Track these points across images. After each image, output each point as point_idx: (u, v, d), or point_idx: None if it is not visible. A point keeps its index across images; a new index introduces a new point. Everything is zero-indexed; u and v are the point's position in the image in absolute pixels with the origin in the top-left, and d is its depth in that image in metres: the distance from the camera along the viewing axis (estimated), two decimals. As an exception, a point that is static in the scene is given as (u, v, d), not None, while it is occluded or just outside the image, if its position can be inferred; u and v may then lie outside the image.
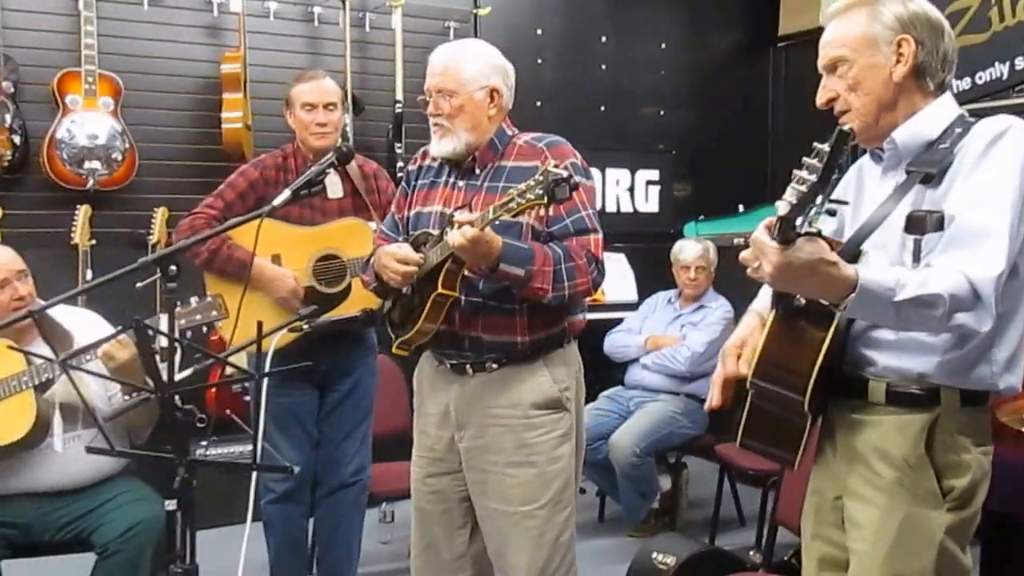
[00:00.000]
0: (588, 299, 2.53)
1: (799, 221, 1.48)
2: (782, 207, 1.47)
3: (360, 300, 3.06)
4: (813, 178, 1.43)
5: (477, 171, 2.46)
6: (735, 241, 5.02)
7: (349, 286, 3.16)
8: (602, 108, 5.70)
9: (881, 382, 1.78)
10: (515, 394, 2.41)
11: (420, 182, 2.57)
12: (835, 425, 1.88)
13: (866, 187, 1.91)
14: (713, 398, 1.94)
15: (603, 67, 5.69)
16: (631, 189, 5.76)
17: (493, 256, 2.20)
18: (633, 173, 5.77)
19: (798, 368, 1.74)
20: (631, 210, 5.77)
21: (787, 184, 1.48)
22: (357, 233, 3.16)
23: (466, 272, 2.33)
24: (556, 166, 2.07)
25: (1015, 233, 1.65)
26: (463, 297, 2.36)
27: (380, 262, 2.43)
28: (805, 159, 1.46)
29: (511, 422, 2.41)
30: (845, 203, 1.57)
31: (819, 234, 1.53)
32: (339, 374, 3.23)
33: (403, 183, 2.65)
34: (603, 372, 4.70)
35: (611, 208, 5.70)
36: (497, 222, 2.15)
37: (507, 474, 2.41)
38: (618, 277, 5.33)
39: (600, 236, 2.43)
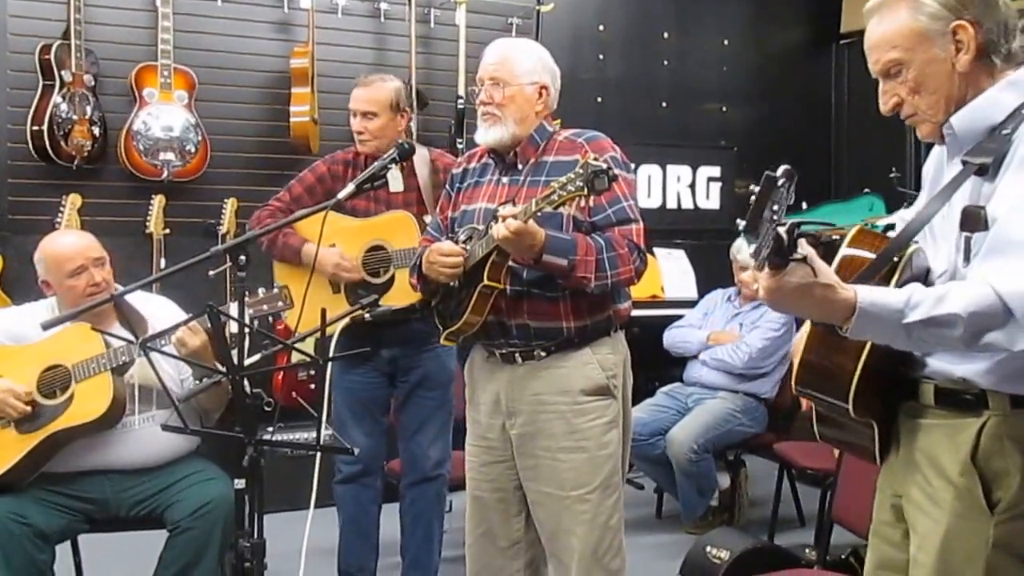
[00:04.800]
0: (636, 291, 2.55)
1: (786, 245, 1.44)
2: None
3: (402, 292, 3.09)
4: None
5: (519, 166, 2.53)
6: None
7: (393, 277, 3.21)
8: (664, 104, 5.69)
9: (930, 383, 1.69)
10: (564, 381, 2.46)
11: (465, 183, 2.64)
12: (899, 425, 1.80)
13: (944, 174, 1.75)
14: None
15: (665, 63, 5.68)
16: (692, 186, 5.75)
17: (537, 247, 2.28)
18: (695, 170, 5.75)
19: (839, 374, 1.66)
20: (692, 207, 5.75)
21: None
22: (403, 225, 3.22)
23: (511, 263, 2.39)
24: (596, 159, 2.15)
25: None
26: (508, 287, 2.42)
27: (427, 260, 2.50)
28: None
29: (561, 408, 2.46)
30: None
31: (805, 259, 1.47)
32: (406, 365, 3.28)
33: (447, 186, 2.72)
34: (662, 368, 4.71)
35: (672, 205, 5.70)
36: (539, 214, 2.24)
37: (559, 459, 2.46)
38: (678, 274, 5.33)
39: (641, 226, 2.48)
